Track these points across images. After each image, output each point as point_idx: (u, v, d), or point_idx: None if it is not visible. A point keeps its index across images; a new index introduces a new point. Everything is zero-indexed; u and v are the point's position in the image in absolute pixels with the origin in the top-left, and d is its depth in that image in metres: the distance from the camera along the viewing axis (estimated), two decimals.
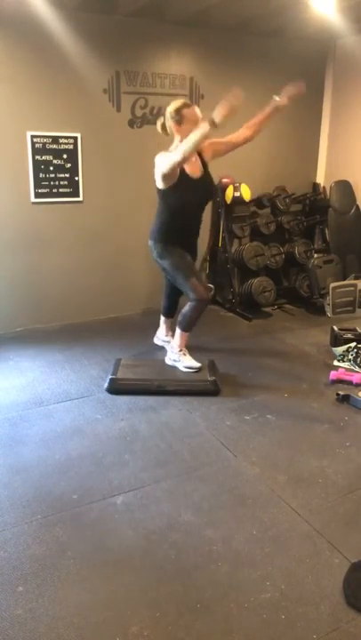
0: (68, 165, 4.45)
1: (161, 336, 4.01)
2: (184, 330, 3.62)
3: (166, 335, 3.97)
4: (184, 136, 3.16)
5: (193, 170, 3.31)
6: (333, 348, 4.10)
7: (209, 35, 4.75)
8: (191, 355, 3.66)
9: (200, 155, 3.37)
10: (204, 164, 3.39)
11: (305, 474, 2.67)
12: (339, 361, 3.92)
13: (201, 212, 3.48)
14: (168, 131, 3.34)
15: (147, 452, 2.84)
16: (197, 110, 3.27)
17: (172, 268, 3.48)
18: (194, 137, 3.04)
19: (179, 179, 3.27)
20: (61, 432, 3.03)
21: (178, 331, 3.65)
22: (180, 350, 3.66)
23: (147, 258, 3.91)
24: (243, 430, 3.07)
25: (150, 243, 3.53)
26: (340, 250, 5.32)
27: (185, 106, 3.27)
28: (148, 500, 2.47)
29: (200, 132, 3.02)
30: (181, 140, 3.19)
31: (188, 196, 3.33)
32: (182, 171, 3.26)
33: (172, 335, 3.80)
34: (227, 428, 3.09)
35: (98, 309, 4.90)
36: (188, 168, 3.28)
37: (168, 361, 3.71)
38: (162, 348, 3.99)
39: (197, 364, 3.62)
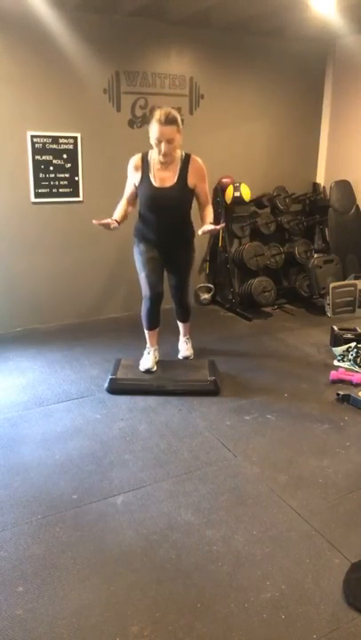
0: (68, 165, 4.45)
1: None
2: (144, 327, 3.70)
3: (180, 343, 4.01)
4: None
5: (162, 180, 3.32)
6: (333, 348, 4.10)
7: (209, 35, 4.75)
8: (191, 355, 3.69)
9: (186, 167, 3.32)
10: (184, 178, 3.33)
11: (305, 474, 2.67)
12: (339, 361, 3.92)
13: (168, 217, 3.41)
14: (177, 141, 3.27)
15: (147, 452, 2.84)
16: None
17: (135, 258, 3.56)
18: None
19: (140, 183, 3.35)
20: (61, 432, 3.03)
21: None
22: (146, 348, 3.72)
23: None
24: (243, 430, 3.07)
25: None
26: (340, 250, 5.32)
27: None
28: (148, 499, 2.47)
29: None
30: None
31: (147, 201, 3.37)
32: (146, 178, 3.33)
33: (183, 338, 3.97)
34: (227, 428, 3.09)
35: (98, 309, 4.90)
36: (154, 175, 3.32)
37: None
38: (162, 349, 4.01)
39: (145, 366, 3.60)
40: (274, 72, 5.19)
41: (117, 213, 3.38)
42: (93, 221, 3.25)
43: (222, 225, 3.47)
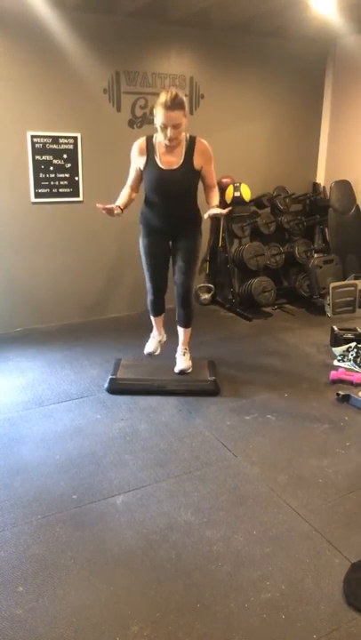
0: (68, 165, 4.45)
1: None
2: (150, 314, 3.81)
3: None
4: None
5: (168, 162, 3.22)
6: (333, 348, 4.10)
7: (209, 35, 4.75)
8: (191, 355, 3.68)
9: (192, 149, 3.23)
10: (190, 160, 3.23)
11: (305, 474, 2.67)
12: (339, 361, 3.92)
13: (175, 201, 3.31)
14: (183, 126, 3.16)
15: (147, 452, 2.84)
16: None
17: (140, 250, 3.53)
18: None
19: (146, 166, 3.26)
20: (61, 432, 3.03)
21: None
22: (152, 333, 3.84)
23: None
24: (243, 430, 3.07)
25: None
26: (340, 250, 5.32)
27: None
28: (148, 500, 2.47)
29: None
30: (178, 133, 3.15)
31: (153, 184, 3.27)
32: (152, 161, 3.23)
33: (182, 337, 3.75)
34: (227, 427, 3.09)
35: (98, 309, 4.90)
36: (160, 158, 3.22)
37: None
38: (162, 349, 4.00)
39: (147, 350, 3.76)
40: (274, 72, 5.19)
41: (120, 200, 3.30)
42: (97, 205, 3.13)
43: (229, 209, 3.33)
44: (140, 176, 3.33)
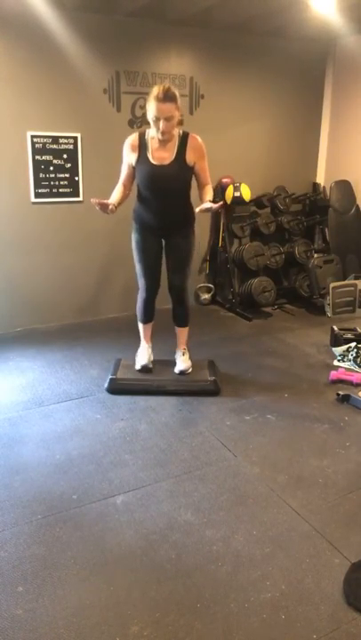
0: (68, 165, 4.45)
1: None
2: (139, 319, 3.66)
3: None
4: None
5: (161, 158, 3.19)
6: (333, 348, 4.10)
7: (209, 35, 4.75)
8: (191, 355, 3.67)
9: (184, 145, 3.20)
10: (183, 155, 3.20)
11: (305, 474, 2.67)
12: (339, 361, 3.92)
13: (167, 197, 3.28)
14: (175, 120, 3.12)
15: (147, 452, 2.84)
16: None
17: (132, 246, 3.48)
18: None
19: (138, 162, 3.24)
20: (61, 432, 3.03)
21: None
22: (140, 346, 3.70)
23: None
24: (243, 430, 3.07)
25: None
26: (340, 250, 5.32)
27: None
28: (148, 500, 2.47)
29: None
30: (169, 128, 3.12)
31: (145, 180, 3.25)
32: (144, 157, 3.21)
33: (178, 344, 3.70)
34: (227, 428, 3.09)
35: (98, 309, 4.90)
36: (152, 153, 3.20)
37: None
38: (160, 349, 3.98)
39: (140, 363, 3.58)
40: (274, 72, 5.19)
41: (114, 198, 3.24)
42: (92, 200, 3.09)
43: (220, 204, 3.24)
44: (132, 173, 3.30)
